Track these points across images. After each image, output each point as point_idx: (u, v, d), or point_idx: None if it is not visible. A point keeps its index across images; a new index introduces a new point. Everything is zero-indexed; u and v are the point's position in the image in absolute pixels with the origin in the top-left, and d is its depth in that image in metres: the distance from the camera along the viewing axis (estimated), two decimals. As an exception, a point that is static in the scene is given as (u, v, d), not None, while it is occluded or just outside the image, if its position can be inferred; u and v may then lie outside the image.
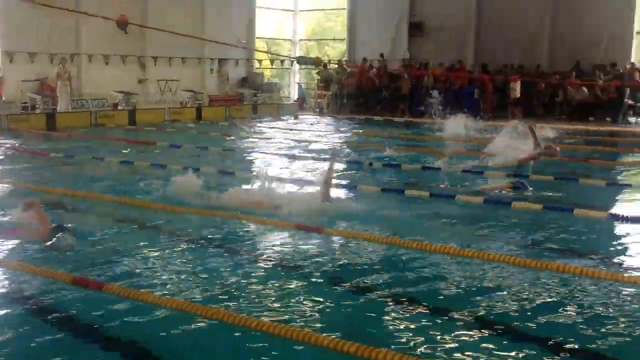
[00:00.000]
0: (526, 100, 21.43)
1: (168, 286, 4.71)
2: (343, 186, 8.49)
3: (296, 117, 21.80)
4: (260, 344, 3.72)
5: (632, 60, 21.86)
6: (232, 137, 15.68)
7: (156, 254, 5.55)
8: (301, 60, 22.90)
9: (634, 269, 5.25)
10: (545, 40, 23.22)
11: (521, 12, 23.32)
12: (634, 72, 21.05)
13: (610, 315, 4.25)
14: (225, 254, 5.62)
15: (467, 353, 3.65)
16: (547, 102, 21.75)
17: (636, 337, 3.95)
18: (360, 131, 17.76)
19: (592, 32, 22.00)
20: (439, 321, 4.14)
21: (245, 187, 7.93)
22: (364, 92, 23.87)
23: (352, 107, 23.70)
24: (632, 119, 20.49)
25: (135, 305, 4.27)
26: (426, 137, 16.03)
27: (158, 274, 5.01)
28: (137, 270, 5.07)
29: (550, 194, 8.37)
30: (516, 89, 21.23)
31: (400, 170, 10.30)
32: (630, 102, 20.38)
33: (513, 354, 3.67)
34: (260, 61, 26.77)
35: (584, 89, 21.03)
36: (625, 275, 5.03)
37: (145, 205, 7.37)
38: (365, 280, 4.86)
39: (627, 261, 5.53)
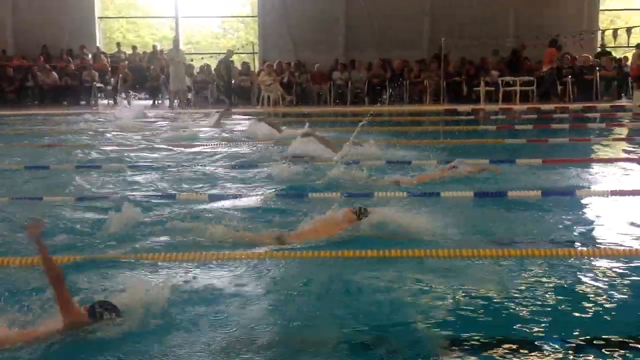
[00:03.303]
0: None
1: None
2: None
3: None
4: None
5: (98, 44, 22.81)
6: None
7: None
8: None
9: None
10: (8, 24, 22.32)
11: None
12: (99, 55, 22.02)
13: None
14: None
15: None
16: (18, 88, 21.15)
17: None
18: None
19: (57, 16, 22.02)
20: None
21: None
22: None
23: None
24: (104, 101, 21.37)
25: None
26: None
27: None
28: None
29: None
30: None
31: None
32: (99, 84, 21.14)
33: None
34: None
35: (54, 73, 21.02)
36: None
37: None
38: None
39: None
